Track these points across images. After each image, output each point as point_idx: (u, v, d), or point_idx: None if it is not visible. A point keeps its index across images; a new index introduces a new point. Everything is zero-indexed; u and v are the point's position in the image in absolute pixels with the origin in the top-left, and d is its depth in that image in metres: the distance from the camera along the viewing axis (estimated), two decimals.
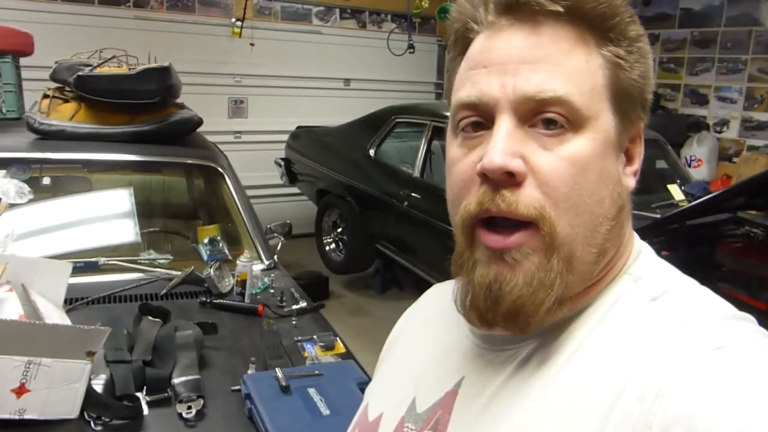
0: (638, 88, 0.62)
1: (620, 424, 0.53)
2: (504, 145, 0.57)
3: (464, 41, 0.64)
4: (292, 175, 5.61)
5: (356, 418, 0.81)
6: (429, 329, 0.78)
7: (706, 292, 0.62)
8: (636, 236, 0.69)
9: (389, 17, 6.77)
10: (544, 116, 0.57)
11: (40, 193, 2.30)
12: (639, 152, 0.65)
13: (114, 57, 2.52)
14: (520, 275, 0.58)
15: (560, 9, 0.58)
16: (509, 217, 0.58)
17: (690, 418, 0.49)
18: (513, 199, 0.57)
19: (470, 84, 0.61)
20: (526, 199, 0.57)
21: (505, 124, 0.58)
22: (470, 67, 0.62)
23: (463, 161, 0.61)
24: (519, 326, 0.60)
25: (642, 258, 0.66)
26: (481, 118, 0.60)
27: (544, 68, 0.57)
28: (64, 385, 1.37)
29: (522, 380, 0.62)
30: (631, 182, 0.64)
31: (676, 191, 3.87)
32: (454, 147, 0.63)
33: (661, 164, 4.24)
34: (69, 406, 1.38)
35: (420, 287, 4.94)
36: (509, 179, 0.57)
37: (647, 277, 0.63)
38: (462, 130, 0.62)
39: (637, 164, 0.65)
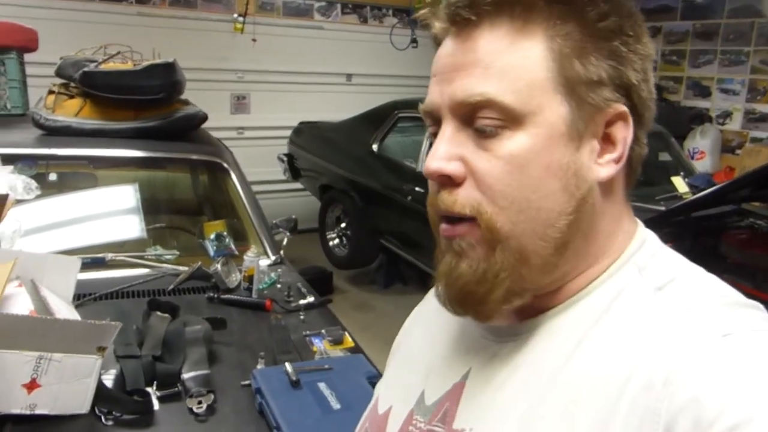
0: (605, 70, 0.59)
1: (628, 412, 0.53)
2: (441, 150, 0.61)
3: (436, 46, 0.67)
4: (295, 171, 5.61)
5: (367, 412, 0.82)
6: (436, 322, 0.78)
7: (713, 279, 0.61)
8: (640, 225, 0.68)
9: (390, 12, 6.76)
10: (479, 120, 0.59)
11: (47, 189, 2.31)
12: (623, 137, 0.62)
13: (119, 53, 2.52)
14: (464, 263, 0.62)
15: (473, 18, 0.59)
16: (449, 215, 0.62)
17: (698, 405, 0.49)
18: (450, 199, 0.61)
19: (427, 94, 0.65)
20: (463, 198, 0.60)
21: (446, 129, 0.61)
22: (430, 76, 0.65)
23: None
24: (471, 313, 0.64)
25: (646, 247, 0.65)
26: (437, 126, 0.64)
27: (474, 72, 0.59)
28: (74, 380, 1.37)
29: (528, 371, 0.62)
30: (603, 171, 0.61)
31: (680, 183, 3.87)
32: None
33: (664, 156, 4.24)
34: (80, 401, 1.39)
35: (424, 282, 4.94)
36: (449, 181, 0.61)
37: (652, 266, 0.63)
38: (432, 135, 0.66)
39: (620, 150, 0.62)
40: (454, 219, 0.62)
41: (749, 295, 0.60)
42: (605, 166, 0.62)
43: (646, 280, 0.61)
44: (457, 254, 0.62)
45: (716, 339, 0.53)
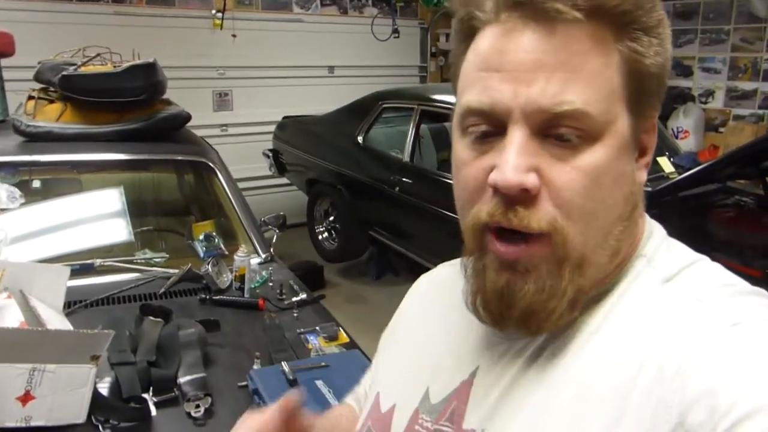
0: (657, 78, 0.59)
1: (640, 405, 0.53)
2: (518, 160, 0.55)
3: (469, 29, 0.61)
4: (280, 166, 5.58)
5: (368, 409, 0.80)
6: (441, 316, 0.77)
7: (719, 269, 0.62)
8: (646, 216, 0.68)
9: (370, 2, 6.72)
10: (559, 129, 0.55)
11: (31, 196, 2.28)
12: (652, 143, 0.63)
13: (98, 55, 2.49)
14: (531, 283, 0.58)
15: (580, 16, 0.54)
16: (521, 231, 0.57)
17: (712, 396, 0.49)
18: (526, 214, 0.56)
19: (480, 89, 0.58)
20: (539, 213, 0.56)
21: (518, 135, 0.56)
22: (480, 67, 0.58)
23: (472, 165, 0.60)
24: (531, 330, 0.61)
25: (654, 239, 0.65)
26: (491, 126, 0.58)
27: (560, 76, 0.54)
28: (69, 390, 1.36)
29: (538, 368, 0.62)
30: (643, 175, 0.63)
31: (665, 163, 3.88)
32: (461, 147, 0.61)
33: None
34: (76, 411, 1.37)
35: (415, 271, 4.93)
36: (524, 194, 0.56)
37: (660, 258, 0.63)
38: (470, 133, 0.60)
39: (650, 155, 0.63)
40: (518, 236, 0.58)
41: (738, 272, 0.60)
42: (641, 171, 0.63)
43: (654, 272, 0.61)
44: (521, 275, 0.58)
45: (725, 329, 0.53)
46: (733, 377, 0.49)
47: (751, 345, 0.51)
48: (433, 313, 0.79)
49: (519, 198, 0.56)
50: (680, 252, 0.64)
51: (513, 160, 0.55)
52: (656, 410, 0.51)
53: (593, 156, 0.56)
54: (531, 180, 0.55)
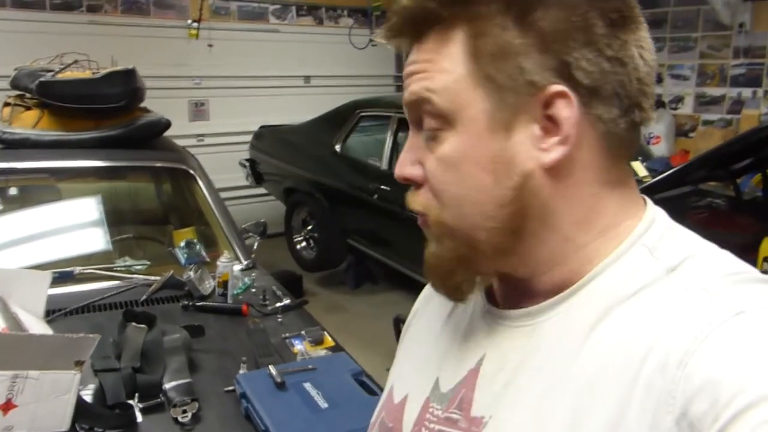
0: (520, 47, 0.57)
1: (644, 395, 0.52)
2: (404, 155, 0.65)
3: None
4: (257, 176, 5.56)
5: (382, 401, 0.81)
6: (447, 308, 0.77)
7: (726, 256, 0.61)
8: (649, 203, 0.66)
9: (346, 12, 6.75)
10: (425, 124, 0.62)
11: (7, 204, 2.24)
12: (566, 116, 0.57)
13: (76, 61, 2.46)
14: (433, 245, 0.67)
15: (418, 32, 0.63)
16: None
17: (715, 386, 0.48)
18: (410, 199, 0.66)
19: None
20: (417, 198, 0.65)
21: (410, 133, 0.65)
22: None
23: None
24: (442, 290, 0.68)
25: (655, 227, 0.63)
26: None
27: (418, 76, 0.62)
28: (53, 397, 1.33)
29: (542, 355, 0.61)
30: (548, 156, 0.59)
31: (639, 168, 3.94)
32: None
33: None
34: (59, 419, 1.35)
35: (394, 279, 4.96)
36: (413, 183, 0.65)
37: (663, 247, 0.61)
38: None
39: (564, 131, 0.58)
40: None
41: None
42: (551, 150, 0.59)
43: (658, 262, 0.60)
44: (429, 240, 0.67)
45: (729, 318, 0.52)
46: (736, 367, 0.49)
47: (755, 334, 0.51)
48: (439, 306, 0.79)
49: (413, 186, 0.65)
50: (685, 240, 0.63)
51: (401, 156, 0.65)
52: (659, 401, 0.51)
53: (448, 144, 0.61)
54: (410, 171, 0.65)
